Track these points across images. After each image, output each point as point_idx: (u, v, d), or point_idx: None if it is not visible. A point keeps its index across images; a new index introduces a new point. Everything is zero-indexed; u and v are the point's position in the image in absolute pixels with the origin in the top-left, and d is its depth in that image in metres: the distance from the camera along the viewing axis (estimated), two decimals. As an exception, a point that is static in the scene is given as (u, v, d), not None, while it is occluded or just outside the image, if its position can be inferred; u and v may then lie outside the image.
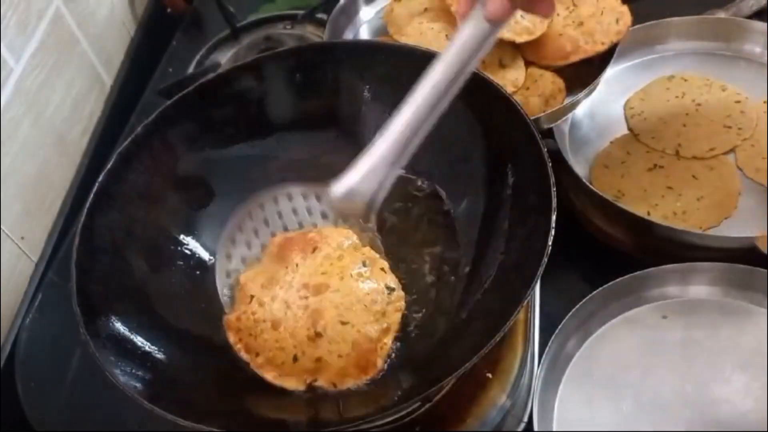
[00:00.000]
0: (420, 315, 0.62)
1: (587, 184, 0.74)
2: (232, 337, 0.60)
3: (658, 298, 0.69)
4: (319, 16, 0.96)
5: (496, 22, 0.53)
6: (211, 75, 0.69)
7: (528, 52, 0.80)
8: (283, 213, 0.67)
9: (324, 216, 0.67)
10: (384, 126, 0.57)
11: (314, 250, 0.63)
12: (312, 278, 0.61)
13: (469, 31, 0.54)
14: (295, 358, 0.57)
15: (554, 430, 0.62)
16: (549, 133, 0.78)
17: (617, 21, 0.76)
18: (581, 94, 0.75)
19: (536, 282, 0.51)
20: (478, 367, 0.62)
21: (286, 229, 0.66)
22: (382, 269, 0.62)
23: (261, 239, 0.66)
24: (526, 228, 0.57)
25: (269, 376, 0.58)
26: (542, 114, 0.73)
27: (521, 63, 0.80)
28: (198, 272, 0.65)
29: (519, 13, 0.58)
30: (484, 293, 0.58)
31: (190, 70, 0.94)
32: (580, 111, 0.84)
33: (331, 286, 0.60)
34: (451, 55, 0.54)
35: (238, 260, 0.66)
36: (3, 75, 0.74)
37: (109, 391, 0.52)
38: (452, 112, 0.66)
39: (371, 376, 0.57)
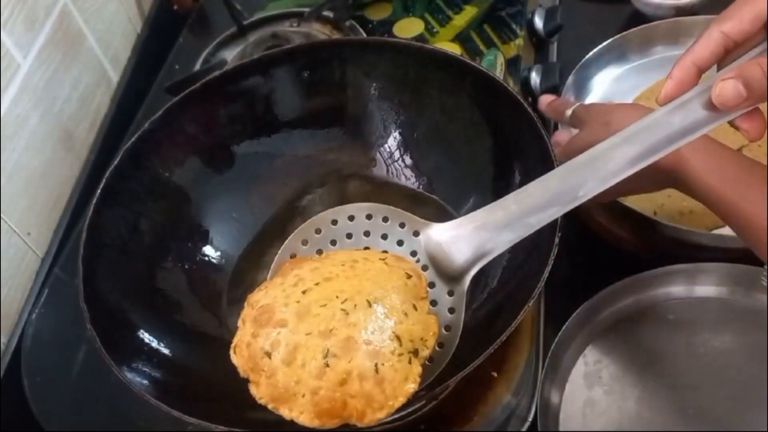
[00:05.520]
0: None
1: (593, 183, 0.73)
2: None
3: (664, 298, 0.68)
4: (326, 14, 0.96)
5: (724, 110, 0.45)
6: (217, 72, 0.69)
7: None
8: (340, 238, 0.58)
9: (384, 237, 0.58)
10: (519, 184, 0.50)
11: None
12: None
13: (678, 114, 0.46)
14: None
15: (559, 430, 0.62)
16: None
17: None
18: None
19: (542, 282, 0.51)
20: (484, 367, 0.62)
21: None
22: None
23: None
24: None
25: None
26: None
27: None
28: (204, 269, 0.66)
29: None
30: (490, 293, 0.58)
31: (197, 67, 0.94)
32: (587, 110, 0.84)
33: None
34: (640, 135, 0.47)
35: None
36: (11, 71, 0.74)
37: (116, 387, 0.53)
38: (459, 110, 0.66)
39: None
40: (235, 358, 0.50)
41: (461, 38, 0.91)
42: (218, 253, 0.67)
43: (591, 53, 0.85)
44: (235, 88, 0.69)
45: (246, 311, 0.52)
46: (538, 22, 0.91)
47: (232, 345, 0.51)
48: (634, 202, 0.74)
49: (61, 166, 0.83)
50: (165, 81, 0.92)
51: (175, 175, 0.67)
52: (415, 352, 0.48)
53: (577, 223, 0.75)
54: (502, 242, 0.51)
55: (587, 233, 0.75)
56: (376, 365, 0.46)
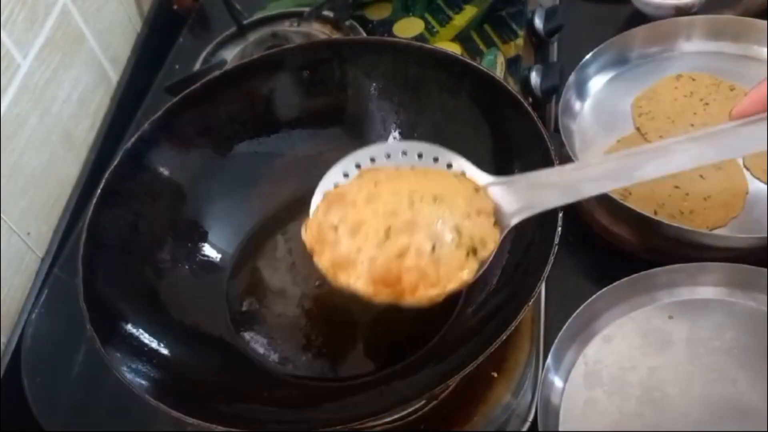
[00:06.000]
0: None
1: (594, 183, 0.73)
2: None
3: (664, 298, 0.68)
4: (326, 13, 0.96)
5: None
6: (217, 72, 0.69)
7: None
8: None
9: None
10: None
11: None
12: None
13: (749, 128, 0.49)
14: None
15: (559, 430, 0.62)
16: (556, 132, 0.78)
17: None
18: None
19: (542, 281, 0.51)
20: (484, 367, 0.62)
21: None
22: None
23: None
24: (533, 227, 0.57)
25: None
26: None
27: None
28: (204, 269, 0.66)
29: None
30: (490, 292, 0.58)
31: (197, 67, 0.94)
32: (588, 110, 0.84)
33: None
34: (708, 139, 0.50)
35: None
36: (11, 71, 0.74)
37: (115, 388, 0.53)
38: (459, 110, 0.67)
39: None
40: (305, 234, 0.54)
41: (461, 38, 0.91)
42: (218, 254, 0.67)
43: (591, 53, 0.85)
44: (235, 88, 0.69)
45: (321, 202, 0.56)
46: (538, 22, 0.91)
47: (304, 224, 0.55)
48: (634, 201, 0.74)
49: (61, 166, 0.83)
50: (165, 81, 0.92)
51: (175, 175, 0.67)
52: (474, 251, 0.51)
53: (577, 223, 0.75)
54: (551, 201, 0.53)
55: (587, 233, 0.75)
56: (434, 246, 0.50)
